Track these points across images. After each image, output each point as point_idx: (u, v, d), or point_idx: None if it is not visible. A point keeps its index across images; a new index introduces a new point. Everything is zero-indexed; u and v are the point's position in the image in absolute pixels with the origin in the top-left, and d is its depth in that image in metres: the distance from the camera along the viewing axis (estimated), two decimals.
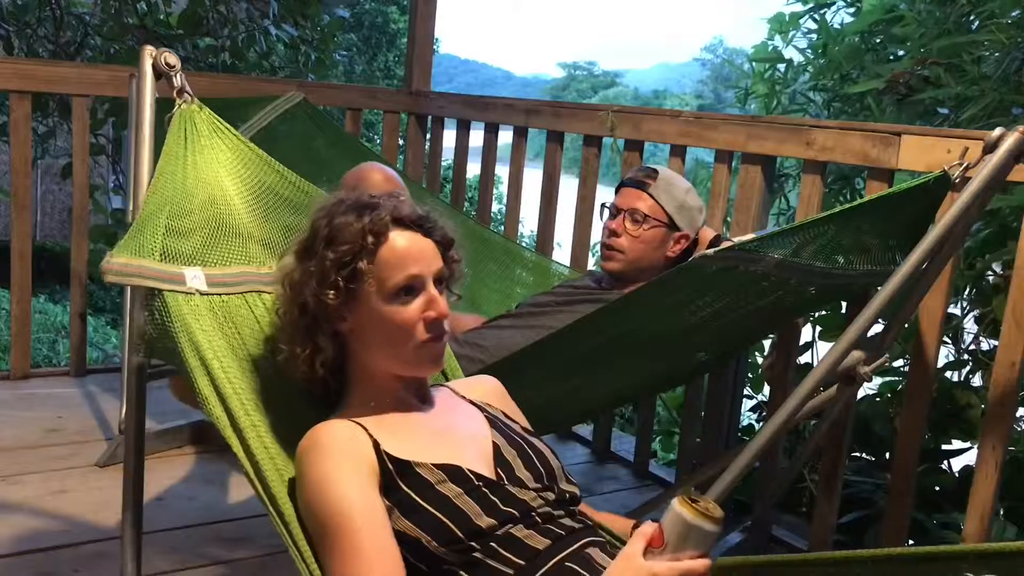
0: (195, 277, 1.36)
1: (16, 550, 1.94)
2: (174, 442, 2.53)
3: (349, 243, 1.24)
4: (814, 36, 4.34)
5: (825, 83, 4.28)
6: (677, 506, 1.07)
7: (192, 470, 2.42)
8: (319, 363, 1.28)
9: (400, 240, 1.26)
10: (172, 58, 1.56)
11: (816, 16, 4.36)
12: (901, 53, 3.87)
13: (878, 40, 4.10)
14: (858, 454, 2.80)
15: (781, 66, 4.53)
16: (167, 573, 1.90)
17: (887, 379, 2.84)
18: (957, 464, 2.72)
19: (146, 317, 1.34)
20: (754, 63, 4.62)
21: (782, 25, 4.47)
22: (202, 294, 1.35)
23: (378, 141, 4.39)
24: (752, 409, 3.23)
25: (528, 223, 4.87)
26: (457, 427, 1.30)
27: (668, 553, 1.07)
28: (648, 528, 1.10)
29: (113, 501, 1.93)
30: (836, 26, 4.25)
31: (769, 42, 4.58)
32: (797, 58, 4.52)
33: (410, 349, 1.25)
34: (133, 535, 1.49)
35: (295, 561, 1.16)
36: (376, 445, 1.20)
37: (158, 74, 1.56)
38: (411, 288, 1.25)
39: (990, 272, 2.82)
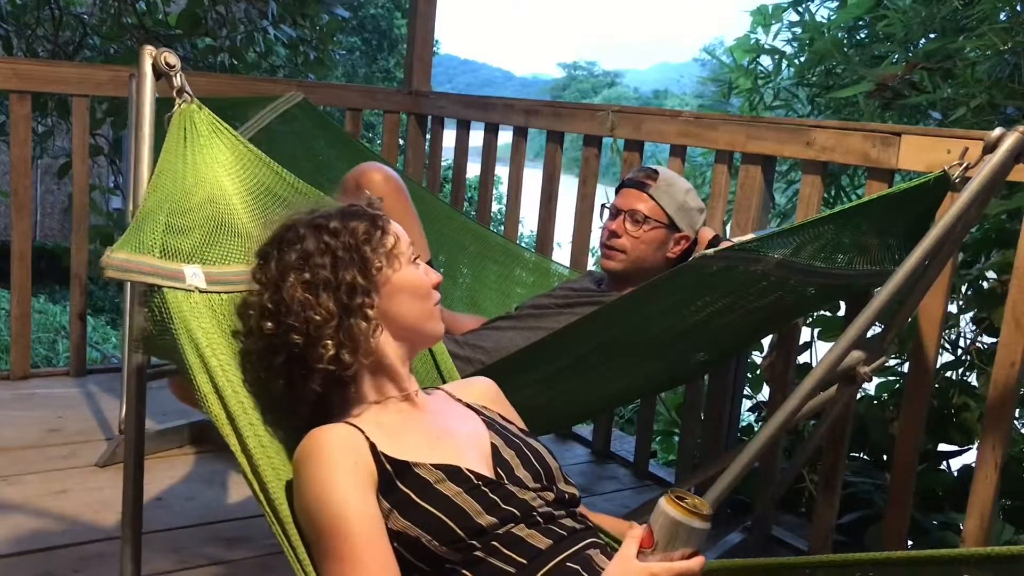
0: (195, 275, 1.36)
1: (16, 550, 1.94)
2: (174, 442, 2.53)
3: (363, 235, 1.29)
4: (798, 30, 4.28)
5: (809, 79, 4.22)
6: (664, 505, 1.08)
7: (192, 470, 2.42)
8: (298, 402, 1.26)
9: (392, 226, 1.34)
10: (172, 58, 1.56)
11: (799, 9, 4.29)
12: (887, 50, 3.83)
13: (861, 36, 4.06)
14: (858, 454, 2.80)
15: (765, 60, 4.46)
16: (167, 573, 1.90)
17: (884, 379, 2.84)
18: (956, 464, 2.71)
19: (145, 313, 1.34)
20: (734, 54, 4.55)
21: (765, 18, 4.40)
22: (201, 292, 1.35)
23: (378, 141, 4.39)
24: (752, 409, 3.23)
25: (528, 223, 4.87)
26: (455, 429, 1.30)
27: (659, 552, 1.08)
28: (638, 530, 1.10)
29: (113, 501, 1.93)
30: (821, 19, 4.20)
31: (752, 35, 4.50)
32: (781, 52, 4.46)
33: (430, 306, 1.33)
34: (133, 535, 1.49)
35: (290, 563, 1.16)
36: (373, 447, 1.20)
37: (158, 74, 1.56)
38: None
39: (988, 278, 2.80)
